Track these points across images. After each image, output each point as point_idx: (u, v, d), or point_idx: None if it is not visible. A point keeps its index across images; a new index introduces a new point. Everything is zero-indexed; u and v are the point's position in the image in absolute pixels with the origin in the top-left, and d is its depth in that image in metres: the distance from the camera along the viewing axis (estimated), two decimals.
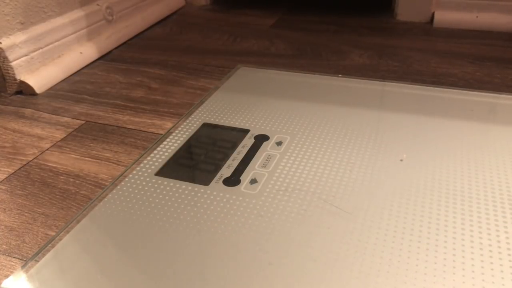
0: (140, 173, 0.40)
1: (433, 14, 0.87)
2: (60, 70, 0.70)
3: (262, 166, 0.40)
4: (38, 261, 0.32)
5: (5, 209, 0.42)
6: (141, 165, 0.41)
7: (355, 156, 0.42)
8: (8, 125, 0.57)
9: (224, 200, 0.37)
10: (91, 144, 0.52)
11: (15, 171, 0.48)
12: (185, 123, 0.48)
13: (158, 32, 0.89)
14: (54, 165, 0.48)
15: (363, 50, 0.75)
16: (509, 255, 0.31)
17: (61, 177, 0.46)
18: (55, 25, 0.71)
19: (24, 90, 0.65)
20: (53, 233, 0.39)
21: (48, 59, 0.70)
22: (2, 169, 0.48)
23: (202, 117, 0.49)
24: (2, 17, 0.64)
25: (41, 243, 0.38)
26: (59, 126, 0.56)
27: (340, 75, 0.59)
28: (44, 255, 0.32)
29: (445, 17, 0.85)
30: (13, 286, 0.31)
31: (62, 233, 0.34)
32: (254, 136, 0.45)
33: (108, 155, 0.50)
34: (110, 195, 0.38)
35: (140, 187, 0.39)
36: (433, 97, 0.52)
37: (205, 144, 0.44)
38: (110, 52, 0.79)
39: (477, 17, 0.83)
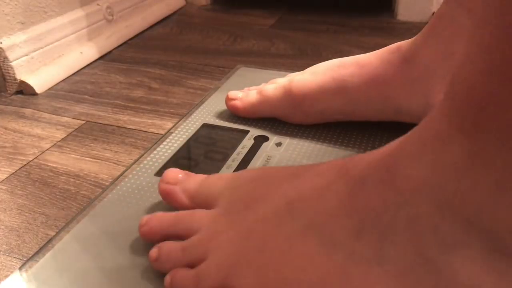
0: (140, 173, 0.40)
1: (433, 14, 0.87)
2: (60, 70, 0.70)
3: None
4: (38, 261, 0.32)
5: (5, 209, 0.42)
6: (141, 165, 0.42)
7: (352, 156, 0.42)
8: (9, 125, 0.57)
9: None
10: (91, 144, 0.52)
11: (15, 171, 0.48)
12: (185, 124, 0.48)
13: (159, 32, 0.89)
14: (54, 165, 0.48)
15: (364, 50, 0.74)
16: None
17: (61, 177, 0.46)
18: (56, 25, 0.71)
19: (25, 90, 0.65)
20: (53, 233, 0.39)
21: (48, 59, 0.70)
22: (2, 169, 0.48)
23: (202, 118, 0.49)
24: (2, 17, 0.64)
25: (41, 243, 0.38)
26: (59, 126, 0.56)
27: None
28: (44, 255, 0.32)
29: None
30: (13, 286, 0.31)
31: (62, 233, 0.35)
32: (253, 137, 0.45)
33: (108, 155, 0.50)
34: (110, 195, 0.38)
35: (140, 187, 0.39)
36: None
37: (205, 144, 0.44)
38: (110, 52, 0.79)
39: None
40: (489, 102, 0.19)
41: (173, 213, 0.32)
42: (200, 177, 0.34)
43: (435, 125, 0.22)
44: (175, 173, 0.34)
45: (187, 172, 0.35)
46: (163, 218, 0.32)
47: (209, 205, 0.31)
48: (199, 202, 0.32)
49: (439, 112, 0.22)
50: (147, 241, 0.32)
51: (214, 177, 0.34)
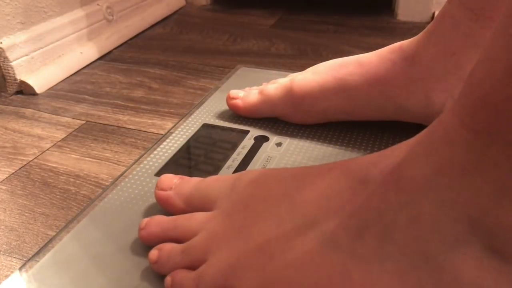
0: (140, 173, 0.40)
1: (433, 14, 0.87)
2: (60, 70, 0.70)
3: (262, 167, 0.40)
4: (38, 261, 0.32)
5: (5, 209, 0.42)
6: (141, 165, 0.42)
7: (356, 157, 0.42)
8: (9, 125, 0.57)
9: None
10: (92, 144, 0.52)
11: (15, 171, 0.48)
12: (185, 124, 0.48)
13: (159, 32, 0.89)
14: (54, 165, 0.48)
15: (364, 50, 0.74)
16: None
17: (62, 177, 0.46)
18: (56, 25, 0.71)
19: (25, 90, 0.65)
20: (53, 233, 0.39)
21: (48, 59, 0.70)
22: (2, 169, 0.48)
23: (202, 118, 0.49)
24: (2, 17, 0.64)
25: (41, 243, 0.38)
26: (59, 126, 0.56)
27: None
28: (44, 255, 0.32)
29: None
30: (13, 286, 0.31)
31: (62, 233, 0.35)
32: (254, 137, 0.45)
33: (109, 155, 0.50)
34: (110, 195, 0.38)
35: (140, 187, 0.39)
36: None
37: (205, 144, 0.44)
38: (110, 52, 0.79)
39: None
40: (506, 105, 0.19)
41: (172, 217, 0.32)
42: (194, 180, 0.34)
43: (445, 125, 0.22)
44: (169, 179, 0.34)
45: (181, 176, 0.35)
46: (162, 221, 0.32)
47: (206, 208, 0.31)
48: (195, 205, 0.32)
49: (451, 112, 0.22)
50: (146, 244, 0.32)
51: (210, 179, 0.34)
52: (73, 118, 0.58)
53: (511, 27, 0.19)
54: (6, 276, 0.35)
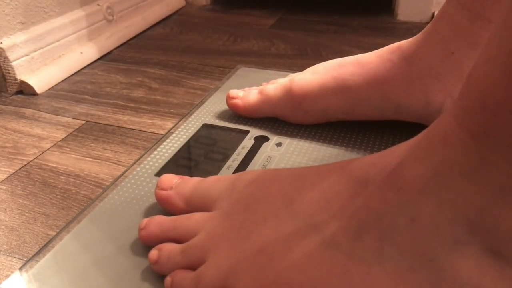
0: (140, 173, 0.40)
1: (433, 14, 0.87)
2: (60, 70, 0.70)
3: (262, 168, 0.41)
4: (38, 261, 0.32)
5: (5, 209, 0.42)
6: (141, 165, 0.42)
7: (356, 157, 0.42)
8: (9, 125, 0.57)
9: None
10: (92, 144, 0.52)
11: (15, 171, 0.48)
12: (185, 124, 0.48)
13: (159, 32, 0.89)
14: (54, 165, 0.48)
15: (364, 50, 0.74)
16: None
17: (62, 177, 0.46)
18: (56, 25, 0.71)
19: (25, 90, 0.66)
20: (54, 233, 0.39)
21: (48, 59, 0.70)
22: (2, 169, 0.48)
23: (202, 118, 0.49)
24: (2, 17, 0.64)
25: (42, 243, 0.38)
26: (59, 126, 0.56)
27: None
28: (44, 255, 0.33)
29: None
30: (13, 286, 0.31)
31: (63, 233, 0.35)
32: (254, 137, 0.45)
33: (109, 155, 0.50)
34: (110, 195, 0.38)
35: (141, 187, 0.39)
36: None
37: (205, 145, 0.44)
38: (110, 52, 0.79)
39: None
40: (504, 108, 0.19)
41: (172, 217, 0.32)
42: (195, 180, 0.34)
43: (444, 126, 0.22)
44: (170, 179, 0.35)
45: (182, 176, 0.35)
46: (162, 222, 0.32)
47: (206, 208, 0.31)
48: (196, 205, 0.32)
49: (450, 113, 0.22)
50: (146, 244, 0.32)
51: (210, 179, 0.34)
52: (73, 118, 0.58)
53: (509, 29, 0.19)
54: (6, 276, 0.35)
